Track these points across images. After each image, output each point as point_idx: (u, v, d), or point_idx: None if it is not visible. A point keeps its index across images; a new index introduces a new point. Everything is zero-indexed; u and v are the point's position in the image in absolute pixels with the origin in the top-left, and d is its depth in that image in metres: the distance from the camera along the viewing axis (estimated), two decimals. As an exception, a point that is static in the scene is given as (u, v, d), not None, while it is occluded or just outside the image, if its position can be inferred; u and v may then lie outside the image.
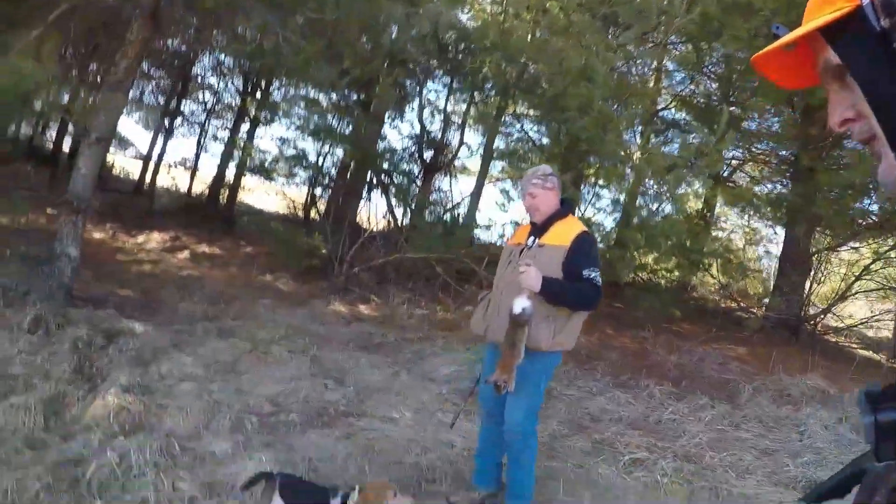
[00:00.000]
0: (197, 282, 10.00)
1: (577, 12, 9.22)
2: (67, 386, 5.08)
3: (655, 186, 9.74)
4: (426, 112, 14.67)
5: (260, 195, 20.95)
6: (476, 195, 14.02)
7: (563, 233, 3.90)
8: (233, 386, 5.78)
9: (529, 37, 11.34)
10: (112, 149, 20.64)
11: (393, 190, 13.80)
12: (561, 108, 8.96)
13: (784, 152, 13.25)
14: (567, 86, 8.67)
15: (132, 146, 24.36)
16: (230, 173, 18.66)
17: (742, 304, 13.79)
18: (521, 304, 3.55)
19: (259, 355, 6.82)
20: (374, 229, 12.92)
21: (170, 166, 21.48)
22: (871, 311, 13.73)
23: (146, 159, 20.66)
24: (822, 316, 12.65)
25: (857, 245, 12.60)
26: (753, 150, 13.92)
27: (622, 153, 9.23)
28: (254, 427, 4.91)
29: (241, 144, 17.63)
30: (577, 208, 4.67)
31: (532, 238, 4.03)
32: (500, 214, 42.58)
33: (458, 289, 10.44)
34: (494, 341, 3.97)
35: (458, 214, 13.94)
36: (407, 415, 5.55)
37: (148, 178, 20.10)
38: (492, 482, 4.33)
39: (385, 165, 13.85)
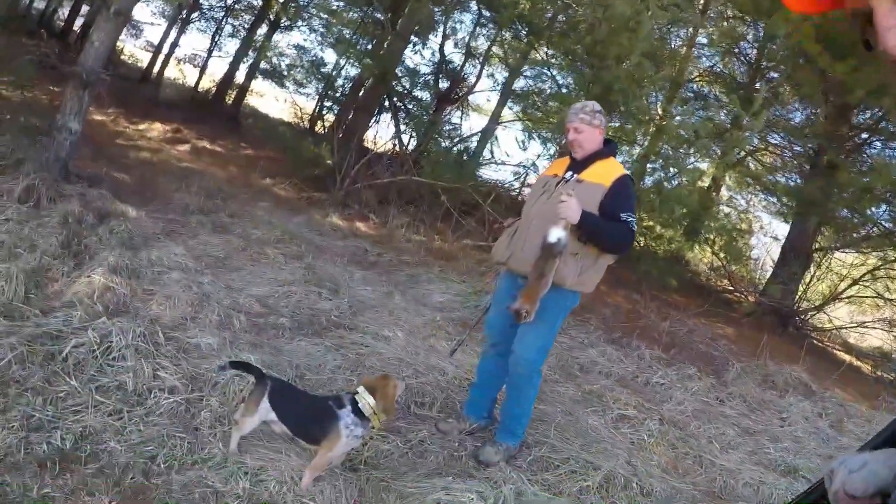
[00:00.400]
0: (195, 175, 9.72)
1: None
2: (53, 260, 4.89)
3: (671, 154, 9.49)
4: (449, 43, 14.29)
5: (268, 101, 20.57)
6: (487, 133, 13.79)
7: (605, 172, 3.69)
8: (223, 282, 5.60)
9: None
10: (123, 34, 20.04)
11: (404, 114, 13.53)
12: (599, 55, 8.65)
13: (799, 148, 12.98)
14: (609, 33, 8.34)
15: (144, 36, 23.68)
16: (241, 75, 18.21)
17: (735, 286, 13.68)
18: (557, 233, 3.38)
19: (252, 255, 6.66)
20: (381, 151, 12.63)
21: (179, 60, 21.03)
22: (858, 319, 13.64)
23: (157, 50, 20.12)
24: (814, 312, 12.56)
25: (865, 250, 12.42)
26: (769, 139, 13.64)
27: (645, 116, 8.99)
28: (242, 325, 4.74)
29: (258, 45, 17.12)
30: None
31: (570, 172, 3.81)
32: (510, 157, 42.28)
33: (461, 220, 10.24)
34: (515, 270, 3.82)
35: (468, 148, 13.73)
36: (399, 335, 5.38)
37: (156, 69, 19.61)
38: (483, 415, 4.22)
39: (403, 86, 13.51)
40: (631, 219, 3.57)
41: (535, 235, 3.61)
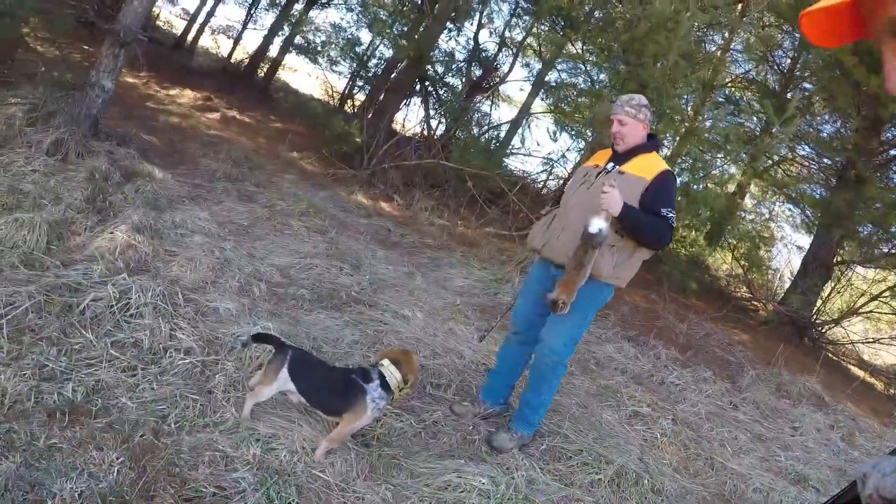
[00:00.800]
0: (223, 143, 9.67)
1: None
2: (77, 214, 4.86)
3: (700, 156, 9.37)
4: (484, 32, 14.20)
5: (300, 76, 20.53)
6: (517, 123, 13.71)
7: (647, 166, 3.60)
8: (245, 249, 5.54)
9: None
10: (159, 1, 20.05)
11: (435, 99, 13.46)
12: (636, 52, 8.53)
13: (828, 160, 12.77)
14: (648, 31, 8.21)
15: (180, 3, 23.68)
16: (274, 49, 18.16)
17: (753, 294, 13.52)
18: (598, 224, 3.30)
19: (276, 225, 6.61)
20: (409, 134, 12.56)
21: (214, 30, 21.02)
22: (874, 335, 13.44)
23: (192, 18, 20.10)
24: (832, 325, 12.39)
25: (886, 266, 12.19)
26: (797, 150, 13.45)
27: (678, 116, 8.87)
28: (262, 293, 4.68)
29: (294, 20, 17.06)
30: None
31: (612, 164, 3.71)
32: (540, 147, 42.13)
33: (485, 207, 10.16)
34: (550, 258, 3.76)
35: (497, 136, 13.66)
36: (419, 316, 5.32)
37: (191, 37, 19.62)
38: (500, 401, 4.16)
39: (436, 71, 13.43)
40: (671, 214, 3.49)
41: (573, 224, 3.54)
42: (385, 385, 3.08)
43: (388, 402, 3.17)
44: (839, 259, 12.48)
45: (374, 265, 6.46)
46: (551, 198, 11.41)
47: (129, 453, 2.64)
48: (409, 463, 3.29)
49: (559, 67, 14.04)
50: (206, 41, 20.67)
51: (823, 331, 12.15)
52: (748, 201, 16.45)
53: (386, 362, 3.15)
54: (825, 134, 12.93)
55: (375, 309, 5.18)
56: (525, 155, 13.35)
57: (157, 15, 21.34)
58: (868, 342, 12.93)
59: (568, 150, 12.39)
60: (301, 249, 6.04)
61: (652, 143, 3.75)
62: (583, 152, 11.18)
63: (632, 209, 3.42)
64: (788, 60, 13.38)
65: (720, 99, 12.61)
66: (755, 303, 13.05)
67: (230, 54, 19.74)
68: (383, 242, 7.72)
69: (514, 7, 14.35)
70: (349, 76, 18.25)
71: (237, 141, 10.46)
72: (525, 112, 13.88)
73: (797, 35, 11.65)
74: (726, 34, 11.35)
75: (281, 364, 3.04)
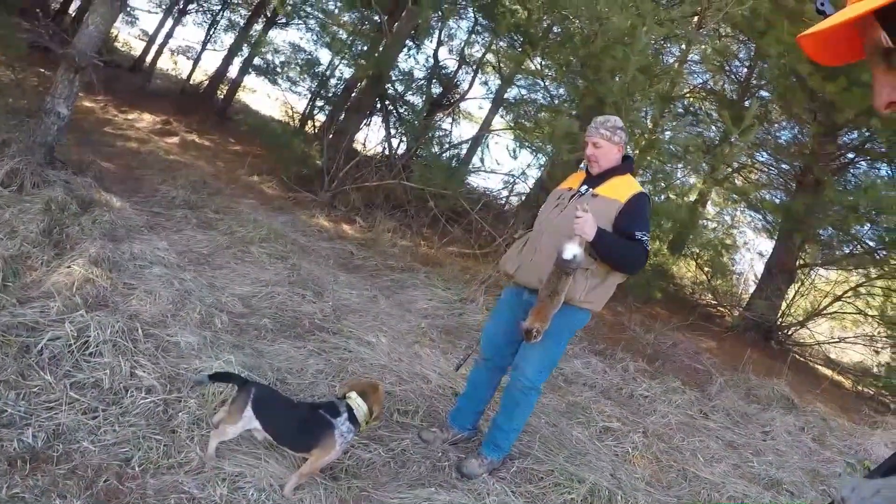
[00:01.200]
0: (182, 168, 9.61)
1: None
2: (33, 248, 4.77)
3: (660, 168, 9.50)
4: (443, 50, 14.29)
5: (259, 97, 20.44)
6: (478, 140, 13.78)
7: (621, 188, 3.61)
8: (206, 279, 5.48)
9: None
10: (118, 20, 19.83)
11: (395, 118, 13.47)
12: (594, 67, 8.63)
13: (786, 165, 13.06)
14: (605, 46, 8.32)
15: (139, 24, 23.46)
16: (233, 69, 18.09)
17: (718, 301, 13.74)
18: (572, 250, 3.29)
19: (236, 253, 6.56)
20: (370, 154, 12.58)
21: (173, 51, 20.86)
22: (840, 334, 13.72)
23: (151, 39, 19.93)
24: (797, 327, 12.61)
25: (847, 267, 12.46)
26: (756, 157, 13.71)
27: (637, 130, 9.00)
28: (224, 325, 4.63)
29: (253, 40, 17.00)
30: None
31: (585, 186, 3.72)
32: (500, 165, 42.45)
33: (448, 226, 10.18)
34: (523, 283, 3.76)
35: (458, 155, 13.70)
36: (384, 341, 5.30)
37: (149, 59, 19.43)
38: (468, 426, 4.15)
39: (396, 90, 13.45)
40: (646, 238, 3.50)
41: (546, 249, 3.55)
42: (353, 418, 3.08)
43: (356, 434, 3.17)
44: (801, 262, 12.74)
45: (337, 290, 6.43)
46: (514, 215, 11.52)
47: (93, 500, 2.61)
48: (379, 494, 3.28)
49: (518, 83, 14.15)
50: (164, 62, 20.49)
51: (789, 333, 12.37)
52: (710, 209, 16.73)
53: (353, 395, 3.14)
54: (783, 140, 13.17)
55: (339, 336, 5.15)
56: (487, 172, 13.47)
57: (115, 36, 21.12)
58: (833, 342, 13.15)
59: (528, 166, 12.49)
60: (262, 277, 6.00)
61: (626, 165, 3.77)
62: (543, 168, 11.29)
63: (606, 233, 3.43)
64: (745, 70, 13.67)
65: (679, 110, 12.78)
66: (720, 309, 13.28)
67: (189, 76, 19.62)
68: (346, 266, 7.69)
69: (473, 24, 14.44)
70: (309, 96, 18.22)
71: (196, 165, 10.38)
72: (485, 129, 13.95)
73: (752, 45, 11.87)
74: (683, 46, 11.53)
75: (245, 402, 3.01)
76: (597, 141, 3.67)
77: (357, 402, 3.11)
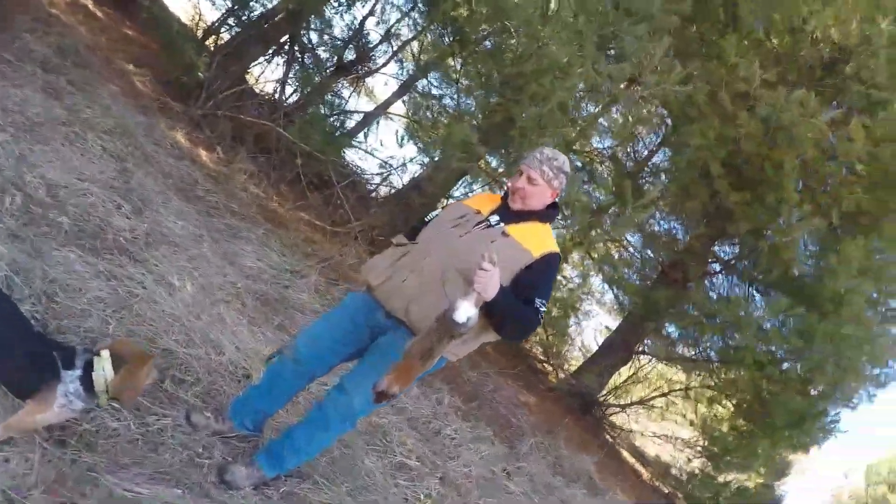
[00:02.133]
0: (59, 27, 8.43)
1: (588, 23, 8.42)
2: None
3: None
4: (371, 21, 13.59)
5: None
6: (370, 117, 13.18)
7: (536, 239, 3.07)
8: (19, 149, 4.65)
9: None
10: None
11: (298, 65, 12.66)
12: (517, 88, 8.27)
13: (651, 253, 13.26)
14: (536, 70, 7.97)
15: None
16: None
17: (548, 358, 13.74)
18: (467, 311, 2.61)
19: (70, 133, 5.63)
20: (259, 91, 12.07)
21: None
22: (654, 429, 14.08)
23: None
24: (618, 410, 12.78)
25: (686, 369, 12.74)
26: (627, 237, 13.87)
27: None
28: (13, 205, 3.90)
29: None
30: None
31: (497, 217, 3.13)
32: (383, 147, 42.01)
33: (308, 191, 9.65)
34: (383, 304, 3.10)
35: (344, 123, 13.03)
36: (188, 288, 4.60)
37: None
38: (249, 425, 3.48)
39: (310, 39, 12.67)
40: (543, 308, 2.97)
41: (428, 274, 2.97)
42: (89, 382, 2.31)
43: (88, 406, 2.40)
44: (642, 350, 12.98)
45: (162, 214, 5.61)
46: (378, 205, 11.01)
47: None
48: (109, 480, 2.65)
49: (431, 77, 13.63)
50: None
51: (608, 413, 12.56)
52: (567, 268, 16.71)
53: (105, 355, 2.39)
54: (657, 229, 13.30)
55: (141, 266, 4.41)
56: (366, 152, 12.78)
57: None
58: (649, 435, 13.51)
59: (411, 160, 11.94)
60: (85, 170, 5.16)
61: (552, 213, 3.25)
62: (425, 168, 11.27)
63: (507, 295, 2.83)
64: (646, 152, 13.68)
65: (578, 163, 12.63)
66: (547, 366, 13.28)
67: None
68: (184, 192, 6.90)
69: (411, 5, 13.78)
70: (224, 12, 16.96)
71: (76, 31, 9.19)
72: (382, 109, 13.35)
73: (671, 127, 11.87)
74: (601, 106, 11.39)
75: None
76: (535, 177, 3.08)
77: (102, 366, 2.36)
